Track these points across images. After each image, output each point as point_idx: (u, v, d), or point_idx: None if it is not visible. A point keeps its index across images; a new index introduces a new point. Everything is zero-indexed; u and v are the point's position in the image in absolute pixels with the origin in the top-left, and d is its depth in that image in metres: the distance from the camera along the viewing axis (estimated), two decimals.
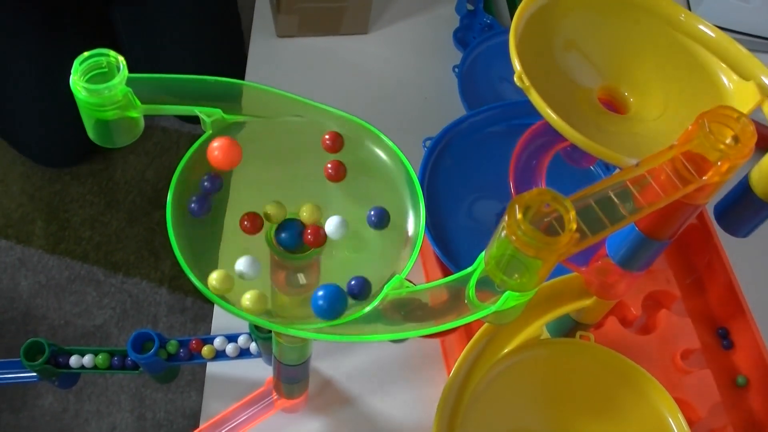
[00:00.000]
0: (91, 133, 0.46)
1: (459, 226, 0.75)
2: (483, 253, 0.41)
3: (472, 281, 0.42)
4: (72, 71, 0.43)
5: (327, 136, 0.49)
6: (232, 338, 0.73)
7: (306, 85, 1.01)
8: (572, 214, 0.37)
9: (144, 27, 1.38)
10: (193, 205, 0.47)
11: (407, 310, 0.45)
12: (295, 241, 0.47)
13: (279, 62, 1.03)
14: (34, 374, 0.75)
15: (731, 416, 0.76)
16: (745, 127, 0.43)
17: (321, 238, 0.46)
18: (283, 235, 0.47)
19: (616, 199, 0.42)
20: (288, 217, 0.48)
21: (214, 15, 1.39)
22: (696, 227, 0.83)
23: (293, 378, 0.67)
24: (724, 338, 0.81)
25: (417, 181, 0.47)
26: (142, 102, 0.45)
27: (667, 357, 0.77)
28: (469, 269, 0.42)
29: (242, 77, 0.97)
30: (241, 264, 0.45)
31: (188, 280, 0.44)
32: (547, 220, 0.38)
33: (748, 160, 0.44)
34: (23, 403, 1.39)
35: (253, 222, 0.47)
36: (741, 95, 0.59)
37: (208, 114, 0.48)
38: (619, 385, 0.61)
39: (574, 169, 0.69)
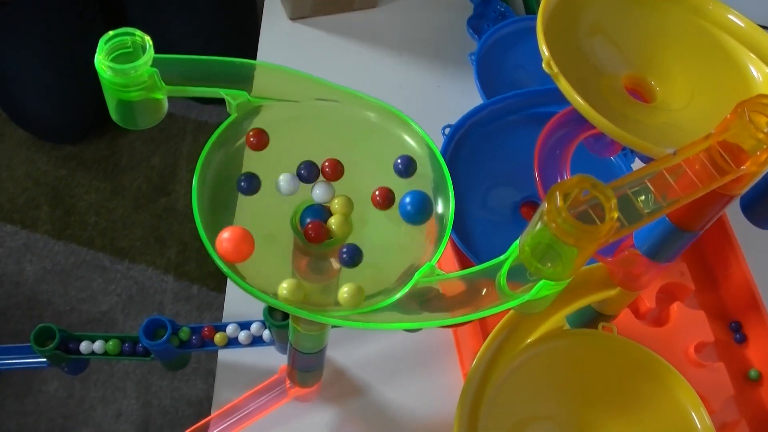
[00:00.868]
0: (114, 114, 0.45)
1: (476, 215, 0.74)
2: (517, 241, 0.40)
3: (504, 269, 0.41)
4: (97, 50, 0.42)
5: (326, 163, 0.48)
6: (244, 326, 0.73)
7: (318, 67, 1.00)
8: (613, 201, 0.36)
9: (155, 6, 1.38)
10: (242, 183, 0.46)
11: (423, 300, 0.44)
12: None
13: (291, 45, 1.02)
14: (44, 360, 0.75)
15: (744, 410, 0.76)
16: None
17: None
18: (309, 221, 0.46)
19: (652, 188, 0.41)
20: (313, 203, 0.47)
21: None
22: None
23: (309, 366, 0.66)
24: (736, 332, 0.80)
25: (446, 168, 0.47)
26: (166, 83, 0.45)
27: (680, 350, 0.76)
28: (502, 257, 0.41)
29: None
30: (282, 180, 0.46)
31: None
32: (581, 209, 0.37)
33: None
34: (28, 389, 1.38)
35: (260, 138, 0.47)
36: None
37: (233, 96, 0.47)
38: (642, 377, 0.61)
39: (593, 159, 0.68)
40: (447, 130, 0.75)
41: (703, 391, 0.73)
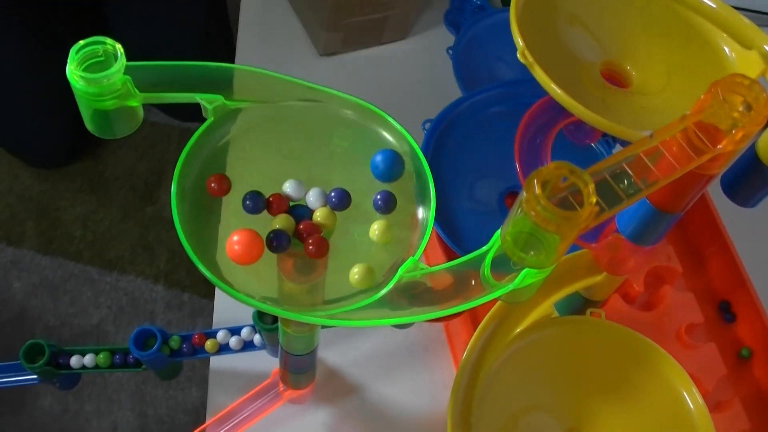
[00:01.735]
0: (89, 125, 0.45)
1: (461, 207, 0.74)
2: (498, 231, 0.40)
3: (488, 260, 0.41)
4: (68, 61, 0.42)
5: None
6: (235, 331, 0.73)
7: (292, 67, 1.00)
8: (591, 187, 0.36)
9: (137, 21, 1.37)
10: (248, 202, 0.46)
11: (413, 294, 0.44)
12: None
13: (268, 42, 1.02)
14: (35, 376, 0.74)
15: (737, 388, 0.76)
16: (758, 95, 0.43)
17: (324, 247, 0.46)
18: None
19: (630, 172, 0.41)
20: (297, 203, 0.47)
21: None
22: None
23: (301, 368, 0.66)
24: (726, 312, 0.81)
25: (426, 164, 0.46)
26: (141, 90, 0.44)
27: (671, 332, 0.77)
28: (485, 248, 0.41)
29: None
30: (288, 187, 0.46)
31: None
32: (561, 196, 0.37)
33: (762, 128, 0.43)
34: (22, 404, 1.38)
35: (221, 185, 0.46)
36: (744, 65, 0.58)
37: (209, 101, 0.47)
38: (633, 361, 0.61)
39: (575, 147, 0.68)
40: (427, 126, 0.75)
41: (695, 372, 0.73)
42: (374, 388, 0.78)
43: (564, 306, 0.66)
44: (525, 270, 0.40)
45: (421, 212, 0.47)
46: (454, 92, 0.87)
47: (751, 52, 0.58)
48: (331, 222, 0.46)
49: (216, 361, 0.78)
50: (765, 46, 0.57)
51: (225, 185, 0.46)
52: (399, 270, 0.43)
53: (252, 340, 0.72)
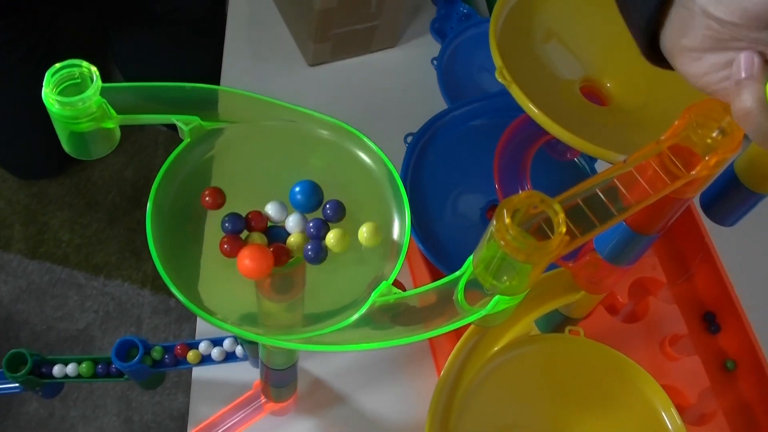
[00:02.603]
0: (66, 146, 0.45)
1: (445, 222, 0.74)
2: (471, 256, 0.40)
3: (461, 285, 0.41)
4: (44, 84, 0.42)
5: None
6: (217, 342, 0.73)
7: (281, 77, 1.00)
8: (561, 216, 0.36)
9: (139, 44, 1.36)
10: (227, 224, 0.45)
11: (395, 313, 0.44)
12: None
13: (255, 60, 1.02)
14: (17, 385, 0.74)
15: (721, 400, 0.76)
16: (732, 120, 0.43)
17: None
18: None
19: (604, 198, 0.41)
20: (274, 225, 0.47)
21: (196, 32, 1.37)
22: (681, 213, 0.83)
23: (281, 381, 0.66)
24: (711, 323, 0.81)
25: (401, 184, 0.46)
26: (118, 112, 0.44)
27: (655, 344, 0.77)
28: (458, 273, 0.41)
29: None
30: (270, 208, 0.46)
31: None
32: (536, 222, 0.38)
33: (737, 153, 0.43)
34: (8, 410, 1.37)
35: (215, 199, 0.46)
36: None
37: (185, 122, 0.47)
38: (611, 377, 0.61)
39: (558, 161, 0.68)
40: (410, 139, 0.75)
41: (679, 384, 0.74)
42: (358, 398, 0.78)
43: (544, 323, 0.66)
44: (497, 296, 0.40)
45: (396, 233, 0.47)
46: (441, 100, 0.87)
47: None
48: (336, 233, 0.46)
49: (198, 372, 0.78)
50: None
51: (220, 199, 0.46)
52: (372, 294, 0.43)
53: (234, 352, 0.72)
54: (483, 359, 0.59)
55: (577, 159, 0.77)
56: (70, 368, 0.73)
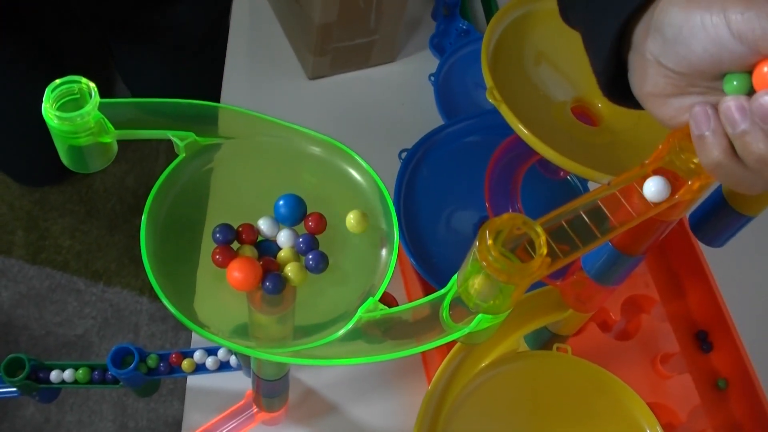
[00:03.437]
0: (64, 159, 0.46)
1: (438, 238, 0.75)
2: (456, 275, 0.41)
3: (446, 303, 0.42)
4: (44, 99, 0.43)
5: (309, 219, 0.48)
6: (212, 351, 0.73)
7: (281, 90, 1.01)
8: (543, 239, 0.37)
9: (141, 58, 1.37)
10: (217, 235, 0.46)
11: (387, 327, 0.45)
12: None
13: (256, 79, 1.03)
14: (15, 389, 0.75)
15: (712, 419, 0.77)
16: None
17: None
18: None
19: (588, 220, 0.42)
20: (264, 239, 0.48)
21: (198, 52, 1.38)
22: (675, 231, 0.83)
23: (273, 392, 0.67)
24: (703, 341, 0.81)
25: (391, 202, 0.47)
26: (116, 127, 0.45)
27: (647, 362, 0.77)
28: (443, 291, 0.42)
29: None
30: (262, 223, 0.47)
31: None
32: (522, 241, 0.38)
33: None
34: (4, 414, 1.38)
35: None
36: None
37: (181, 137, 0.48)
38: (597, 395, 0.62)
39: (550, 179, 0.69)
40: (404, 155, 0.76)
41: (670, 402, 0.74)
42: (349, 409, 0.78)
43: (533, 339, 0.67)
44: (480, 315, 0.41)
45: (384, 253, 0.48)
46: (438, 115, 0.88)
47: None
48: (294, 266, 0.46)
49: (193, 380, 0.78)
50: None
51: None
52: (359, 310, 0.44)
53: (228, 361, 0.73)
54: (470, 374, 0.60)
55: (570, 177, 0.77)
56: (67, 374, 0.74)
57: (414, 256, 0.70)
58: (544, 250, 0.37)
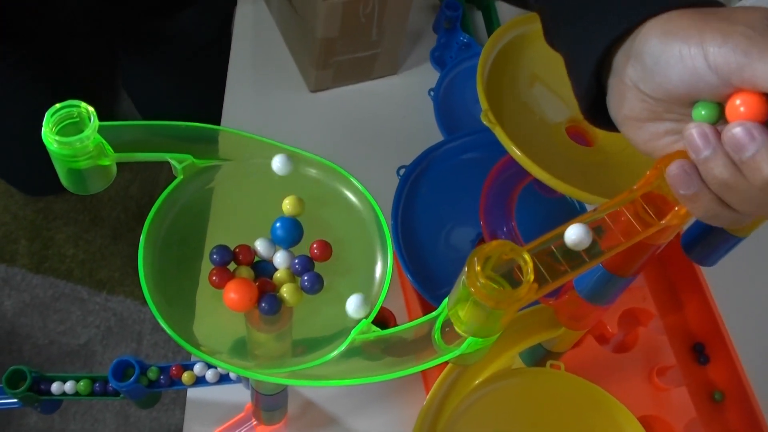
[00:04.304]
0: (64, 181, 0.47)
1: (437, 255, 0.75)
2: (447, 298, 0.42)
3: (437, 325, 0.43)
4: (44, 123, 0.43)
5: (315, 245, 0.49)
6: (212, 364, 0.74)
7: (283, 103, 1.01)
8: (530, 266, 0.38)
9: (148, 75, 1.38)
10: (215, 256, 0.47)
11: (386, 345, 0.46)
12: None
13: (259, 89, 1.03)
14: (16, 401, 0.76)
15: (708, 431, 0.77)
16: None
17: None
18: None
19: None
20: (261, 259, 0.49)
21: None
22: (672, 244, 0.84)
23: (272, 406, 0.68)
24: (700, 354, 0.82)
25: (385, 224, 0.48)
26: (115, 150, 0.46)
27: (644, 374, 0.78)
28: (435, 313, 0.43)
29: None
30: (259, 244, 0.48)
31: None
32: (513, 265, 0.39)
33: None
34: (8, 422, 1.39)
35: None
36: None
37: (179, 160, 0.48)
38: (590, 411, 0.62)
39: (547, 197, 0.70)
40: (402, 171, 0.76)
41: (666, 415, 0.74)
42: (348, 422, 0.79)
43: (528, 356, 0.67)
44: (469, 338, 0.42)
45: (379, 271, 0.48)
46: (438, 129, 0.89)
47: None
48: (289, 287, 0.47)
49: (193, 392, 0.79)
50: None
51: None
52: (352, 332, 0.44)
53: (228, 374, 0.74)
54: (465, 391, 0.60)
55: (566, 196, 0.78)
56: (68, 386, 0.75)
57: (412, 273, 0.71)
58: (531, 277, 0.38)
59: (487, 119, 0.54)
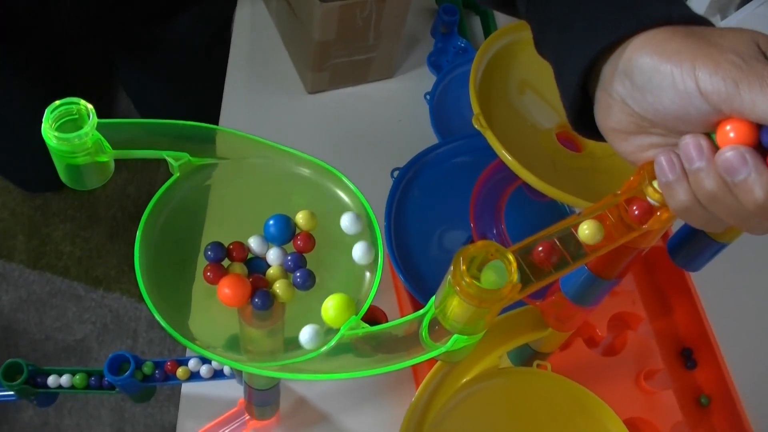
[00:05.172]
0: (62, 176, 0.48)
1: (429, 256, 0.76)
2: (434, 297, 0.43)
3: (425, 323, 0.44)
4: (43, 120, 0.44)
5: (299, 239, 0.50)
6: (206, 360, 0.75)
7: (280, 104, 1.02)
8: (513, 266, 0.39)
9: (143, 76, 1.39)
10: (209, 252, 0.48)
11: (377, 342, 0.47)
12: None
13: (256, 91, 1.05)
14: (13, 393, 0.77)
15: None
16: None
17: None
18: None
19: (560, 246, 0.44)
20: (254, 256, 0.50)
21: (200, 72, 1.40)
22: (661, 249, 0.85)
23: (264, 401, 0.69)
24: (688, 358, 0.83)
25: (377, 225, 0.49)
26: (113, 147, 0.47)
27: (631, 377, 0.79)
28: (422, 311, 0.44)
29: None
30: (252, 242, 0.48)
31: None
32: None
33: None
34: (3, 417, 1.40)
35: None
36: None
37: (175, 158, 0.49)
38: (575, 412, 0.63)
39: (537, 201, 0.71)
40: (396, 173, 0.77)
41: (653, 418, 0.75)
42: (340, 419, 0.80)
43: (515, 356, 0.68)
44: (455, 335, 0.43)
45: (367, 274, 0.49)
46: (433, 133, 0.90)
47: None
48: (281, 283, 0.48)
49: (187, 387, 0.80)
50: None
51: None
52: (341, 328, 0.45)
53: (222, 369, 0.75)
54: (452, 389, 0.61)
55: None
56: (64, 379, 0.76)
57: (404, 273, 0.72)
58: (515, 277, 0.39)
59: (478, 123, 0.55)
